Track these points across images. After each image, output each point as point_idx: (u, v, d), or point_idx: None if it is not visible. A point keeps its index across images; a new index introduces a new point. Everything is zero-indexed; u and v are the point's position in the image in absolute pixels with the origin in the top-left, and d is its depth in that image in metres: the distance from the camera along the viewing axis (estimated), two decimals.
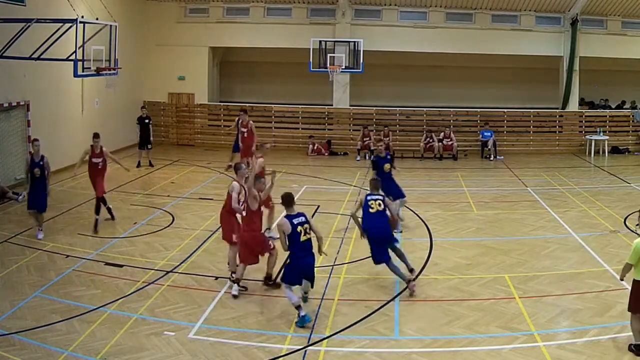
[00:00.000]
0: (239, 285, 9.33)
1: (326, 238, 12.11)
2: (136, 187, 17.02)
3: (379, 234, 9.56)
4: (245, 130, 16.85)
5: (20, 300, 8.86)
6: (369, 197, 9.80)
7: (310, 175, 19.00)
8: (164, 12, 24.22)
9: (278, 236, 8.86)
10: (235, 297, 9.15)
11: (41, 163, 12.06)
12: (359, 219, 9.74)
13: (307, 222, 8.37)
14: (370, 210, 9.66)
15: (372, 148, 22.35)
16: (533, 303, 8.94)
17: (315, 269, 8.67)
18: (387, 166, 12.74)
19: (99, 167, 13.24)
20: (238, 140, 17.05)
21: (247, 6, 24.06)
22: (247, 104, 24.55)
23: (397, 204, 12.25)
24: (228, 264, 9.96)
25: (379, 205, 9.68)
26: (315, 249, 8.55)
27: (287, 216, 8.35)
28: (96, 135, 13.37)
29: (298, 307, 8.23)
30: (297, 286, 8.56)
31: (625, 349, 7.37)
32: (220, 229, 10.34)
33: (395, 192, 12.53)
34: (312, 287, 8.77)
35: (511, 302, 8.99)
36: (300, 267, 8.37)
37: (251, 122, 17.19)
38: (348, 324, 8.25)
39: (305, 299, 8.78)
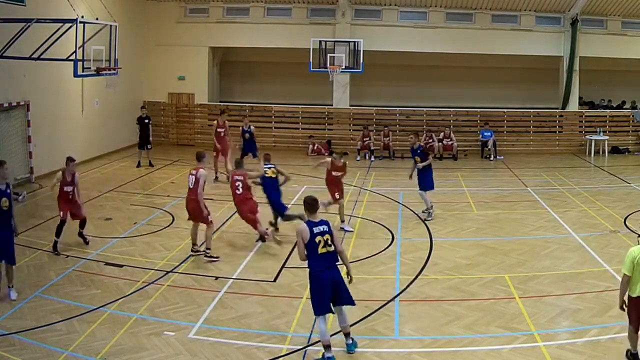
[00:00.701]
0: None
1: None
2: (136, 187, 17.02)
3: (276, 199, 12.26)
4: (222, 130, 17.77)
5: (20, 300, 8.86)
6: (264, 168, 12.21)
7: (310, 175, 18.99)
8: (164, 12, 24.22)
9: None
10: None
11: (8, 191, 9.23)
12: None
13: (329, 232, 7.37)
14: (272, 177, 12.19)
15: (372, 148, 22.39)
16: (533, 303, 8.94)
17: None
18: (417, 158, 13.85)
19: (70, 195, 11.40)
20: (253, 143, 18.44)
21: (247, 6, 24.06)
22: (247, 104, 24.66)
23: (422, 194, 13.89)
24: (207, 249, 10.93)
25: (273, 172, 12.20)
26: (342, 267, 7.62)
27: (308, 222, 7.45)
28: (71, 159, 11.43)
29: (326, 347, 7.28)
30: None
31: (625, 349, 7.36)
32: (194, 218, 11.11)
33: (422, 183, 13.82)
34: (350, 302, 7.47)
35: (511, 302, 8.99)
36: (322, 284, 7.24)
37: (226, 121, 18.33)
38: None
39: (351, 346, 7.57)
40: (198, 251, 11.08)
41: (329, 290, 7.27)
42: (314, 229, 7.32)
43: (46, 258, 10.82)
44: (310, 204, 7.54)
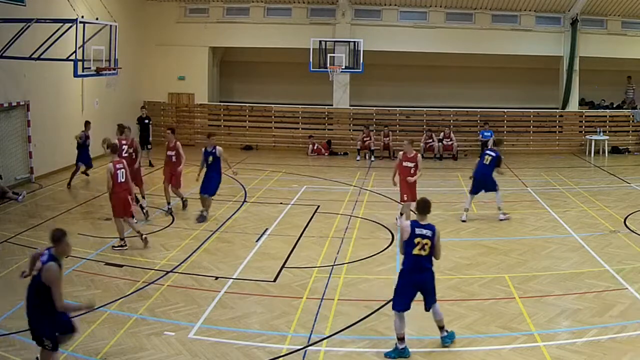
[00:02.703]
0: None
1: (326, 238, 12.17)
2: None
3: None
4: (172, 153, 13.97)
5: (20, 300, 8.79)
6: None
7: (310, 175, 19.00)
8: (164, 12, 24.22)
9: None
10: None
11: None
12: None
13: (431, 238, 7.42)
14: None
15: (372, 148, 22.38)
16: (533, 303, 8.94)
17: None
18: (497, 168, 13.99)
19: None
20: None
21: (247, 6, 24.07)
22: (247, 104, 24.66)
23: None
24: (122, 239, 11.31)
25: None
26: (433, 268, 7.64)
27: (413, 221, 7.57)
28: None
29: (400, 339, 7.40)
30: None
31: (625, 349, 7.36)
32: (125, 211, 11.34)
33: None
34: (434, 302, 7.62)
35: (511, 302, 8.99)
36: (407, 283, 7.47)
37: (178, 142, 14.26)
38: (348, 324, 8.24)
39: (445, 339, 7.67)
40: (123, 243, 11.38)
41: (410, 290, 7.48)
42: (416, 229, 7.45)
43: None
44: (422, 205, 7.75)
